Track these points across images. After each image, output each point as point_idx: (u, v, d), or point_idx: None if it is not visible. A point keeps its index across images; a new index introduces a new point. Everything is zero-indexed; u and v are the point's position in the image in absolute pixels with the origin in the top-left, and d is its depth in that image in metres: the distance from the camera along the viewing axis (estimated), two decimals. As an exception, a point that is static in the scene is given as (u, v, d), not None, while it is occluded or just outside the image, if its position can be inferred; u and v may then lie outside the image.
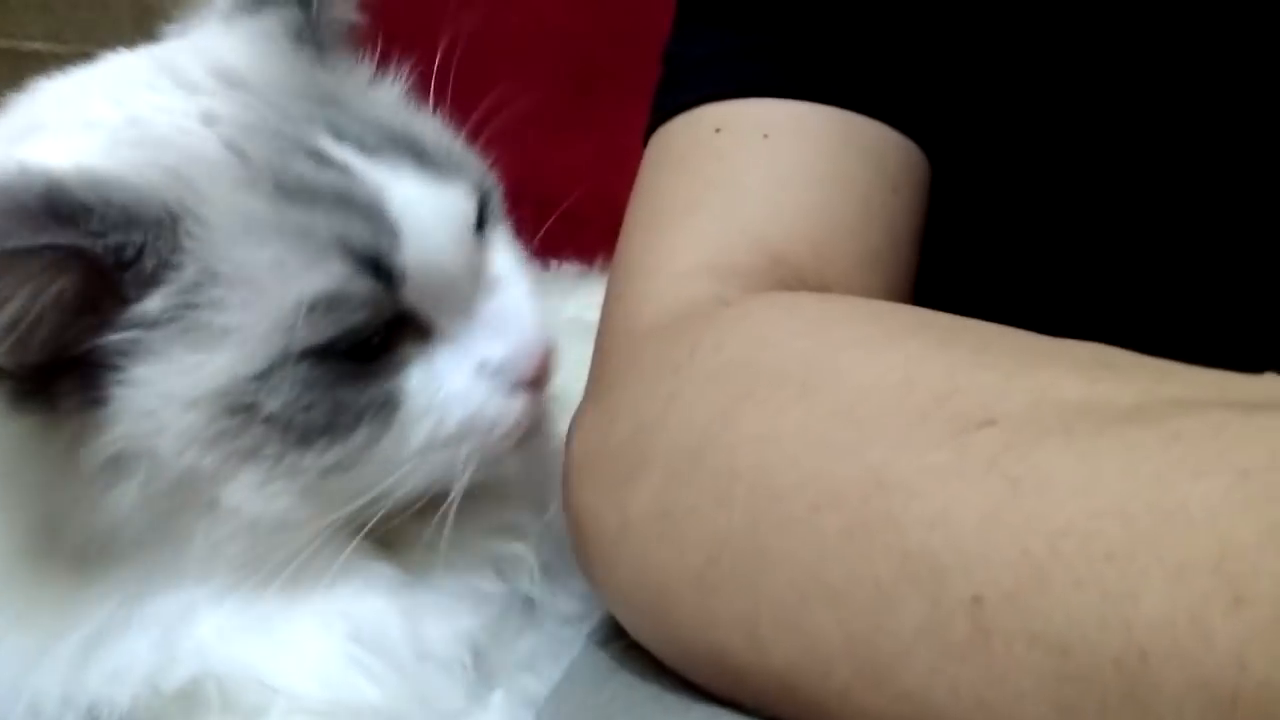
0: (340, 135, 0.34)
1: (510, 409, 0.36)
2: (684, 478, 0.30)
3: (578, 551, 0.35)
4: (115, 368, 0.31)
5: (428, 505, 0.36)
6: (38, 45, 0.67)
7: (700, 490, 0.29)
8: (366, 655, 0.34)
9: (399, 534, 0.37)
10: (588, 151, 0.48)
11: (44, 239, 0.29)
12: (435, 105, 0.39)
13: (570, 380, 0.38)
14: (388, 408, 0.34)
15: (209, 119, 0.33)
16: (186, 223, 0.31)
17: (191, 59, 0.36)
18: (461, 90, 0.39)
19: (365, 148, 0.34)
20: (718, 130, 0.39)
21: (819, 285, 0.37)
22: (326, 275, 0.31)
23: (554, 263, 0.57)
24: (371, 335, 0.33)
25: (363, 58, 0.40)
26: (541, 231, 0.42)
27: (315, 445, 0.32)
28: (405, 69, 0.40)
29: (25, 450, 0.32)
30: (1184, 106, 0.41)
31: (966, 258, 0.45)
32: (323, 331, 0.32)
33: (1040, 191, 0.45)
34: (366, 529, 0.35)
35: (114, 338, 0.31)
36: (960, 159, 0.41)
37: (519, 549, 0.38)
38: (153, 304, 0.31)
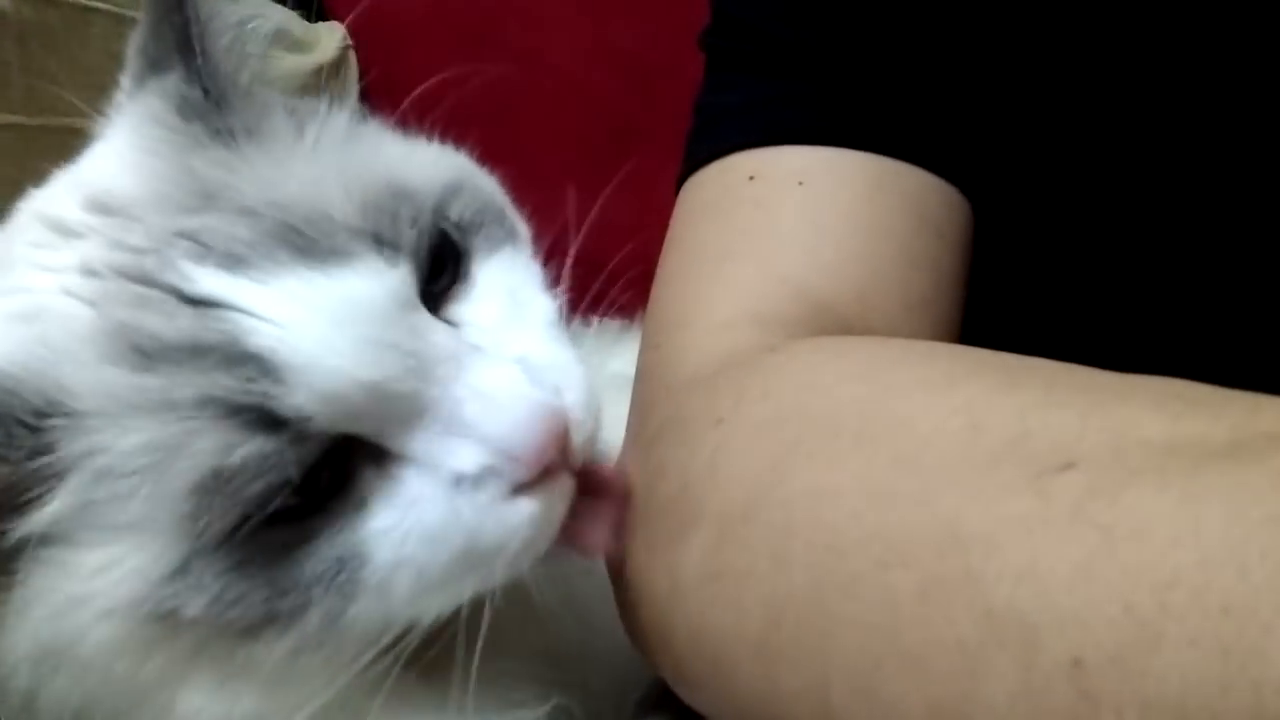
0: (203, 253, 0.28)
1: (514, 519, 0.28)
2: (737, 536, 0.29)
3: (625, 616, 0.33)
4: (11, 573, 0.27)
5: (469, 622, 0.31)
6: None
7: (755, 549, 0.28)
8: None
9: (439, 659, 0.31)
10: (625, 209, 0.47)
11: None
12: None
13: (618, 439, 0.36)
14: (350, 568, 0.27)
15: (87, 270, 0.29)
16: (54, 419, 0.27)
17: (70, 193, 0.31)
18: (495, 152, 0.39)
19: (231, 259, 0.28)
20: (752, 178, 0.38)
21: (864, 332, 0.36)
22: (202, 451, 0.26)
23: (595, 320, 0.57)
24: (304, 484, 0.27)
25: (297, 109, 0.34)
26: (589, 291, 0.40)
27: (263, 638, 0.27)
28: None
29: None
30: (1214, 143, 0.39)
31: (1000, 297, 0.43)
32: (226, 515, 0.26)
33: (1077, 229, 0.43)
34: (401, 661, 0.29)
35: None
36: (998, 200, 0.40)
37: (564, 670, 0.34)
38: (39, 517, 0.27)
